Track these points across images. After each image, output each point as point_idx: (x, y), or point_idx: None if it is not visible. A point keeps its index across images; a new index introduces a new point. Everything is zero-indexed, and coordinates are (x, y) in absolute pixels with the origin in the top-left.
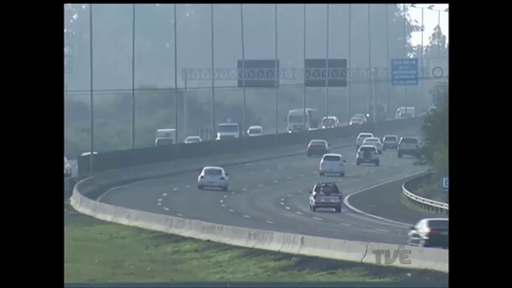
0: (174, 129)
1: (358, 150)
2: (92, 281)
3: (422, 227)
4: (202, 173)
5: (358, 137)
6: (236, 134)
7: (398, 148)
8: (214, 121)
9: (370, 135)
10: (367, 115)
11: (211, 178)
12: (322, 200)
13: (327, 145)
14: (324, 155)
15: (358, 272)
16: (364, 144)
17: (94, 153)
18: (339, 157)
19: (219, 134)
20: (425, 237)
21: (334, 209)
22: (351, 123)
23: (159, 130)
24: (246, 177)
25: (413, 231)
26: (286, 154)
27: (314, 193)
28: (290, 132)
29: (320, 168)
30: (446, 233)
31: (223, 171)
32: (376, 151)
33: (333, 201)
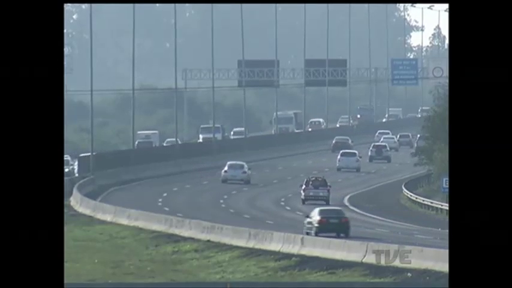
0: (155, 132)
1: (370, 148)
2: (92, 281)
3: (315, 215)
4: (226, 168)
5: (377, 134)
6: (219, 136)
7: (415, 145)
8: (214, 121)
9: (388, 133)
10: (358, 116)
11: (234, 172)
12: (311, 194)
13: (350, 141)
14: (341, 151)
15: (358, 272)
16: (381, 141)
17: (66, 157)
18: (355, 153)
19: (201, 136)
20: (317, 225)
21: (324, 202)
22: (338, 126)
23: (139, 132)
24: None
25: (308, 219)
26: (286, 154)
27: (304, 187)
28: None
29: (337, 164)
30: (335, 220)
31: (245, 166)
32: (388, 148)
33: (321, 194)
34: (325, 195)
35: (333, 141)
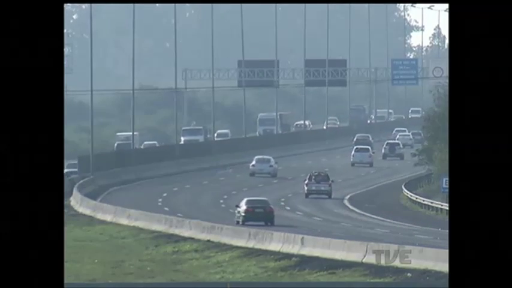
0: (135, 133)
1: (384, 145)
2: (92, 281)
3: (242, 205)
4: (254, 162)
5: (394, 131)
6: (201, 138)
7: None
8: (215, 121)
9: (404, 130)
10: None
11: (261, 166)
12: (313, 188)
13: (370, 138)
14: (355, 147)
15: (358, 272)
16: (397, 138)
17: None
18: (368, 149)
19: (182, 139)
20: (243, 214)
21: (326, 196)
22: (325, 127)
23: (118, 134)
24: (245, 177)
25: (238, 209)
26: (286, 154)
27: (306, 181)
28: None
29: (351, 159)
30: (261, 210)
31: (272, 160)
32: (401, 146)
33: (322, 188)
34: (327, 189)
35: (355, 138)
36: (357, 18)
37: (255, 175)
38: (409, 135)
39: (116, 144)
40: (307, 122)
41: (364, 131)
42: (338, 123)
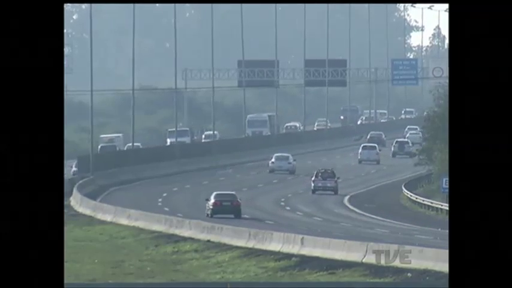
0: (119, 135)
1: (394, 144)
2: (92, 281)
3: (211, 199)
4: (273, 159)
5: (406, 129)
6: (187, 140)
7: None
8: (215, 121)
9: (415, 128)
10: (342, 117)
11: (280, 163)
12: (320, 184)
13: (383, 136)
14: (362, 145)
15: (358, 272)
16: (407, 137)
17: None
18: (375, 147)
19: (168, 140)
20: (211, 207)
21: (332, 192)
22: (315, 129)
23: (102, 136)
24: (246, 176)
25: (208, 202)
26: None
27: (313, 178)
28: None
29: (359, 157)
30: (228, 203)
31: (290, 157)
32: (410, 144)
33: (328, 185)
34: (333, 186)
35: (368, 136)
36: (357, 18)
37: (274, 172)
38: (419, 134)
39: (99, 147)
40: (297, 124)
41: (357, 131)
42: (329, 124)
